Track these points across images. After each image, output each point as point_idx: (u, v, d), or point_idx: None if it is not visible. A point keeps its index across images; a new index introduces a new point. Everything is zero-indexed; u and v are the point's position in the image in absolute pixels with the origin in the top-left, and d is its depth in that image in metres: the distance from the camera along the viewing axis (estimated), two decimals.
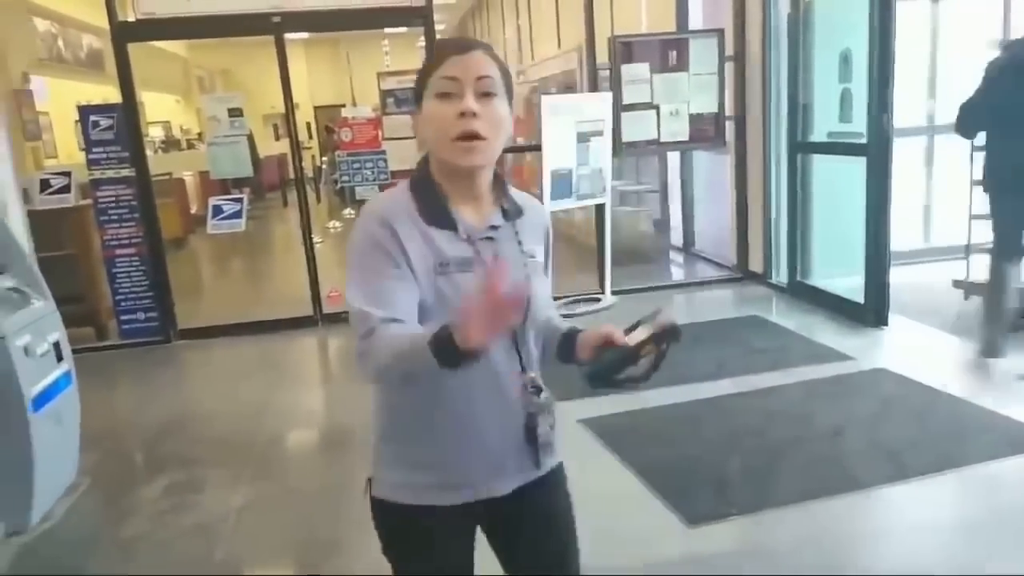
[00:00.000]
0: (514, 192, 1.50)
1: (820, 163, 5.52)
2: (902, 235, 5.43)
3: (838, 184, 5.29)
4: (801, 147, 5.56)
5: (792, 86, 5.54)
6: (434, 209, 1.38)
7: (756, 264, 6.27)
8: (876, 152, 4.73)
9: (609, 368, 1.38)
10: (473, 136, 1.33)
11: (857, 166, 4.86)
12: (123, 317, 5.65)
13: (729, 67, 6.14)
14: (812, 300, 5.52)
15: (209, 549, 2.97)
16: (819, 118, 5.42)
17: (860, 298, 4.99)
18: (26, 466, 3.03)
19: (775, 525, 2.86)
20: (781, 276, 5.99)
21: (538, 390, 1.45)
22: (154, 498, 3.44)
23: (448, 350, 1.17)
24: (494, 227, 1.42)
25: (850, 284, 5.11)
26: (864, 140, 4.81)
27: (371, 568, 1.63)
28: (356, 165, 6.00)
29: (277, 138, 13.40)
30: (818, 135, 5.44)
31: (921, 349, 4.55)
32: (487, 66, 1.35)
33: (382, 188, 5.80)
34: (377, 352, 1.27)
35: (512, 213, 1.46)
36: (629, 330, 1.40)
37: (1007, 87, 4.01)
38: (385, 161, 5.95)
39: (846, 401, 3.88)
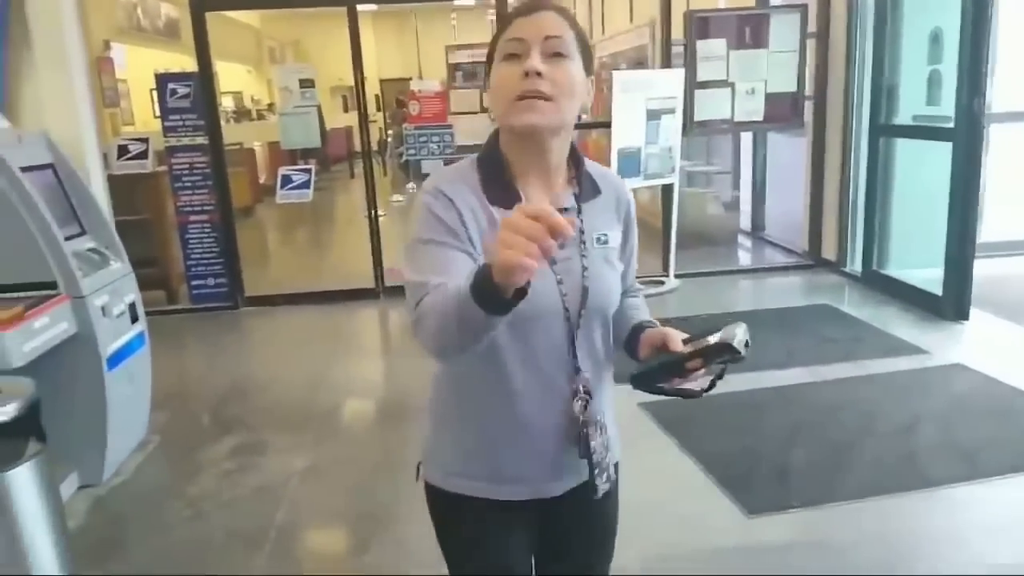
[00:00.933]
0: (593, 168, 1.40)
1: (903, 147, 5.28)
2: (995, 225, 5.17)
3: (922, 170, 5.05)
4: (884, 130, 5.33)
5: (877, 66, 5.30)
6: (498, 184, 1.28)
7: (829, 251, 6.07)
8: (964, 137, 4.50)
9: (654, 374, 1.30)
10: (536, 96, 1.21)
11: (943, 151, 4.63)
12: (193, 282, 5.81)
13: (811, 45, 5.91)
14: (887, 290, 5.31)
15: (271, 510, 3.03)
16: (904, 100, 5.18)
17: (939, 290, 4.78)
18: (100, 422, 3.15)
19: (838, 520, 2.77)
20: (855, 264, 5.79)
21: (588, 397, 1.33)
22: (219, 458, 3.53)
23: (488, 288, 1.01)
24: (564, 209, 1.28)
25: (929, 275, 4.90)
26: (952, 124, 4.57)
27: (424, 539, 1.60)
28: (423, 139, 6.01)
29: (346, 110, 13.53)
30: (903, 118, 5.20)
31: (1002, 346, 4.34)
32: (557, 25, 1.24)
33: (447, 163, 5.80)
34: (428, 314, 1.15)
35: (588, 194, 1.35)
36: (693, 338, 1.28)
37: None
38: (452, 135, 5.94)
39: (919, 396, 3.73)
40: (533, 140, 1.27)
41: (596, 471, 1.33)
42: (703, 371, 1.27)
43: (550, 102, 1.22)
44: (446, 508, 1.43)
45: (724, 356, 1.24)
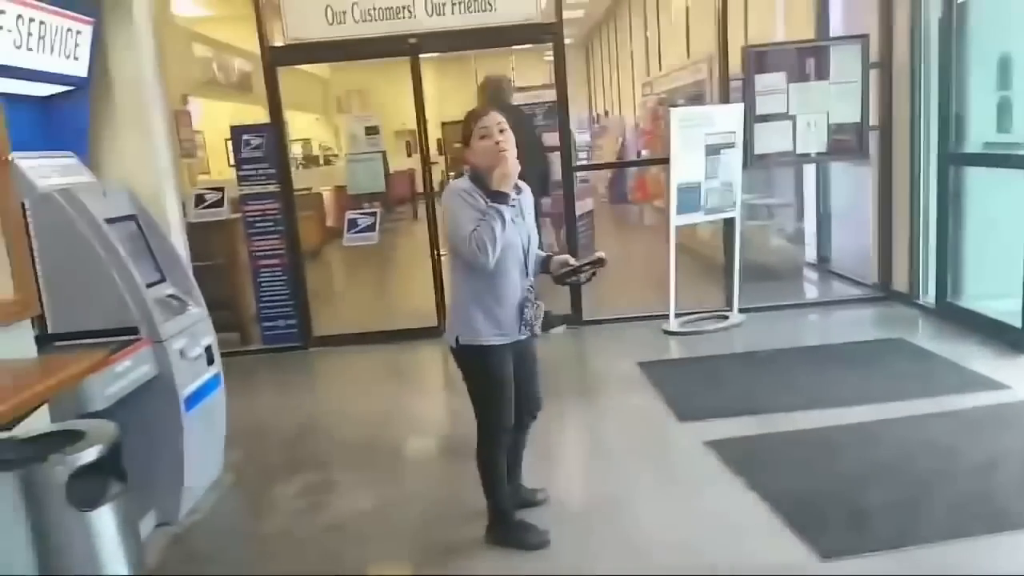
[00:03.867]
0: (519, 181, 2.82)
1: (975, 176, 5.12)
2: None
3: (995, 198, 4.89)
4: (953, 158, 5.18)
5: (943, 94, 5.18)
6: (487, 190, 2.71)
7: (901, 283, 5.90)
8: None
9: (565, 276, 2.92)
10: (505, 150, 2.73)
11: (1017, 178, 4.48)
12: (265, 324, 6.01)
13: (874, 75, 5.82)
14: (963, 323, 5.13)
15: (341, 549, 3.09)
16: (974, 128, 5.04)
17: (1018, 322, 4.59)
18: (178, 461, 3.27)
19: (918, 564, 2.66)
20: (929, 296, 5.61)
21: (532, 290, 2.88)
22: (291, 496, 3.62)
23: (498, 197, 2.68)
24: (515, 198, 2.76)
25: (1008, 307, 4.71)
26: None
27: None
28: None
29: (409, 154, 13.86)
30: (972, 146, 5.05)
31: None
32: (499, 118, 2.78)
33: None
34: (478, 237, 2.63)
35: (521, 191, 2.86)
36: (580, 259, 2.91)
37: None
38: None
39: (1000, 434, 3.57)
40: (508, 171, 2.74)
41: (531, 325, 2.86)
42: (587, 273, 2.88)
43: (508, 151, 2.73)
44: (481, 355, 2.83)
45: (597, 265, 2.84)
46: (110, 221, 3.22)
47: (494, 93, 5.59)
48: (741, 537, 2.93)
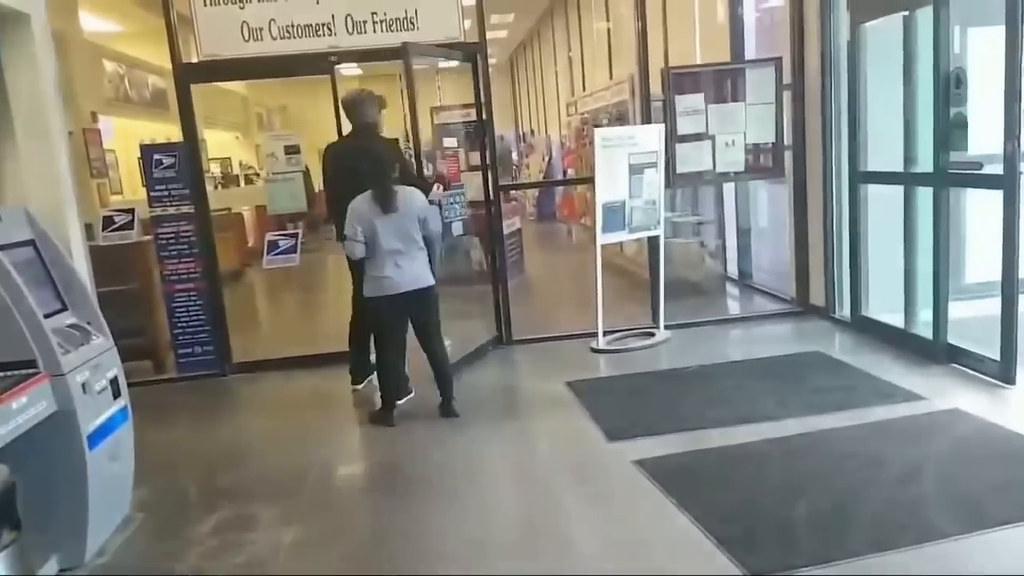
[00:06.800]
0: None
1: (889, 193, 5.30)
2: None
3: (907, 214, 5.07)
4: (864, 176, 5.38)
5: (852, 115, 5.38)
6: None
7: (817, 297, 6.08)
8: (940, 181, 4.56)
9: None
10: None
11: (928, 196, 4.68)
12: (180, 351, 5.75)
13: (788, 96, 6.02)
14: (878, 335, 5.30)
15: None
16: (883, 147, 5.24)
17: (931, 333, 4.77)
18: (81, 502, 3.06)
19: None
20: (844, 310, 5.79)
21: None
22: (206, 535, 3.42)
23: None
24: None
25: (920, 319, 4.89)
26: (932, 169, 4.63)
27: None
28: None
29: None
30: (882, 164, 5.25)
31: (1000, 389, 4.29)
32: None
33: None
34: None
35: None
36: None
37: None
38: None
39: (919, 444, 3.68)
40: None
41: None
42: None
43: None
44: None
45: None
46: (5, 247, 3.01)
47: (357, 112, 5.02)
48: (671, 558, 2.91)
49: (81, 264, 3.85)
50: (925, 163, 4.74)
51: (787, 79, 6.01)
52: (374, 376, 4.93)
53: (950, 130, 4.46)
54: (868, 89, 5.27)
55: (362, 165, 4.34)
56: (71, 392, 2.99)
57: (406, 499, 3.59)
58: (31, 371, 2.89)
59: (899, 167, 5.01)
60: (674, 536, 3.04)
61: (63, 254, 3.41)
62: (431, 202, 4.73)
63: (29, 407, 2.78)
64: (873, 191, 5.38)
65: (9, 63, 3.79)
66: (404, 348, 4.58)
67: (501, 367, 5.63)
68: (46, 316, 3.03)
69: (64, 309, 3.27)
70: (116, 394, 3.35)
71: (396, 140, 5.35)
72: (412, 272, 4.37)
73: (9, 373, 2.85)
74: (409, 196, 4.37)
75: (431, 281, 4.46)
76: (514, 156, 16.73)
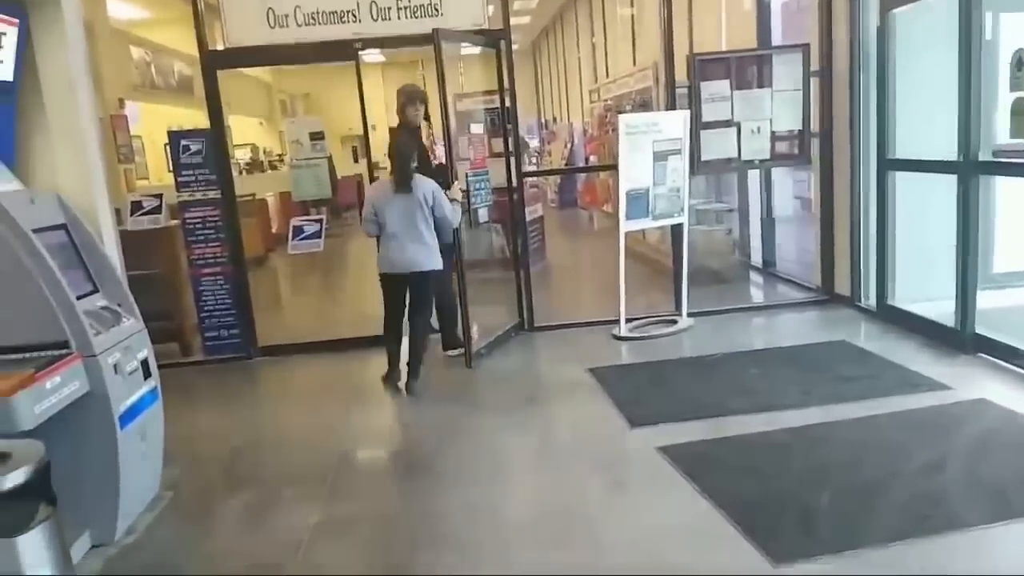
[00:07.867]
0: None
1: (917, 181, 5.23)
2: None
3: (936, 203, 5.00)
4: (892, 164, 5.31)
5: (881, 101, 5.31)
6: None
7: (842, 286, 6.03)
8: (967, 171, 4.49)
9: None
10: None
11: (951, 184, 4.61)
12: (207, 334, 5.83)
13: (815, 83, 5.95)
14: (903, 325, 5.25)
15: (284, 567, 2.98)
16: (912, 134, 5.17)
17: (957, 323, 4.72)
18: (113, 480, 3.13)
19: (868, 566, 2.68)
20: (870, 299, 5.73)
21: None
22: (233, 513, 3.49)
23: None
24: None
25: (945, 309, 4.84)
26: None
27: None
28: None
29: (356, 160, 13.70)
30: (912, 152, 5.18)
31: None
32: None
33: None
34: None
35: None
36: None
37: None
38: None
39: (944, 433, 3.65)
40: None
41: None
42: None
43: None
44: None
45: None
46: (38, 230, 3.06)
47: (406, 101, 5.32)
48: (694, 543, 2.93)
49: (112, 248, 3.90)
50: (985, 151, 4.62)
51: (814, 65, 5.94)
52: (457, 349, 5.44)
53: (1012, 116, 4.35)
54: (907, 76, 5.18)
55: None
56: (103, 373, 3.05)
57: (431, 483, 3.63)
58: (64, 351, 2.95)
59: (936, 156, 4.91)
60: (697, 523, 3.05)
61: (94, 238, 3.47)
62: (452, 200, 4.94)
63: (63, 386, 2.85)
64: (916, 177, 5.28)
65: (41, 45, 3.83)
66: (400, 332, 4.94)
67: (523, 353, 5.65)
68: (78, 298, 3.08)
69: (95, 291, 3.32)
70: (147, 375, 3.41)
71: (418, 128, 5.38)
72: (409, 255, 4.73)
73: (42, 353, 2.91)
74: (419, 181, 4.73)
75: (430, 266, 4.77)
76: (531, 144, 16.66)
